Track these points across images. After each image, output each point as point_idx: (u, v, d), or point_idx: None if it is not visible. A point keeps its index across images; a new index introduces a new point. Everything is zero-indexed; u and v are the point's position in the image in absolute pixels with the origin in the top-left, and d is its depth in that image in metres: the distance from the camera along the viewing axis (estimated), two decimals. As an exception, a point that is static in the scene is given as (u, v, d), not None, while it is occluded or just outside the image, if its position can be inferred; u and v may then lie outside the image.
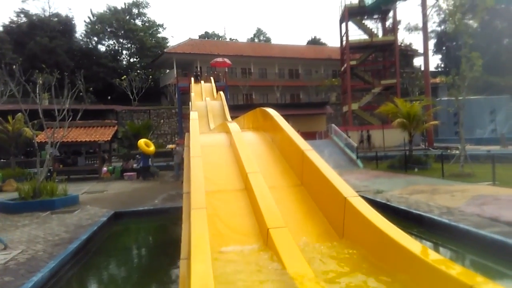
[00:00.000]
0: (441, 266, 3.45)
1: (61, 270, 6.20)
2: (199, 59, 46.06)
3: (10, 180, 17.80)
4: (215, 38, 66.41)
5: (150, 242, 9.62)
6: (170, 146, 22.90)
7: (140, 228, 10.63)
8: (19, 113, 19.89)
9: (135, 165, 21.48)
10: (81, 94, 16.15)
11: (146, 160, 20.26)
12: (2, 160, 25.28)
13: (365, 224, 4.43)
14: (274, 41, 71.87)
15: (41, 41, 47.18)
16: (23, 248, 7.26)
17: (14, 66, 13.42)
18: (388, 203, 9.94)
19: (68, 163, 21.95)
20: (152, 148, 20.25)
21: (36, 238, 8.04)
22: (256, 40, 70.77)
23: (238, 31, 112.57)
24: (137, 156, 22.15)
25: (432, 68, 42.83)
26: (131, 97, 43.08)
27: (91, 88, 33.38)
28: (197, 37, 62.82)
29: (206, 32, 69.47)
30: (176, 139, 31.30)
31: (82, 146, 22.27)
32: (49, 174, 16.82)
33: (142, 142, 20.03)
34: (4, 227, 9.27)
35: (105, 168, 21.72)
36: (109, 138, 22.00)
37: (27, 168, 21.37)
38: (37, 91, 13.78)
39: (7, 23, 51.47)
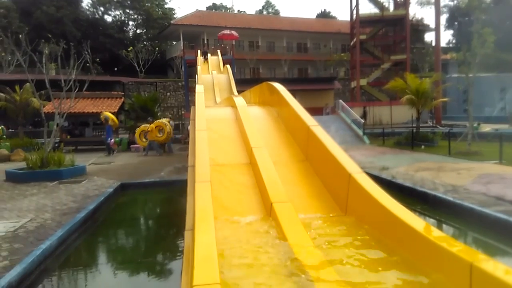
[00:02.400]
0: (442, 243, 3.48)
1: (68, 238, 6.33)
2: (206, 31, 45.47)
3: (18, 150, 18.00)
4: (223, 10, 65.33)
5: (156, 213, 9.77)
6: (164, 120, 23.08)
7: (146, 199, 10.76)
8: (27, 83, 19.90)
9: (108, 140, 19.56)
10: (87, 65, 16.09)
11: (110, 132, 19.50)
12: (10, 130, 25.48)
13: (368, 200, 4.45)
14: (282, 14, 70.78)
15: (48, 10, 46.71)
16: (31, 217, 7.40)
17: (20, 36, 13.33)
18: (393, 180, 9.94)
19: (75, 134, 22.12)
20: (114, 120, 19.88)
21: (44, 207, 8.18)
22: (264, 12, 69.57)
23: (247, 3, 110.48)
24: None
25: (443, 44, 42.15)
26: (138, 69, 42.88)
27: (98, 59, 33.33)
28: (205, 9, 61.87)
29: (213, 4, 68.30)
30: (183, 112, 31.31)
31: (90, 117, 22.36)
32: (56, 144, 17.02)
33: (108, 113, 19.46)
34: (13, 196, 9.43)
35: (112, 140, 21.85)
36: (115, 110, 22.07)
37: (35, 138, 21.57)
38: (44, 61, 13.73)
39: (13, -9, 50.91)
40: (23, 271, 4.60)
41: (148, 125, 18.77)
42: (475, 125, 19.07)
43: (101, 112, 21.51)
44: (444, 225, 7.34)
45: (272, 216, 4.73)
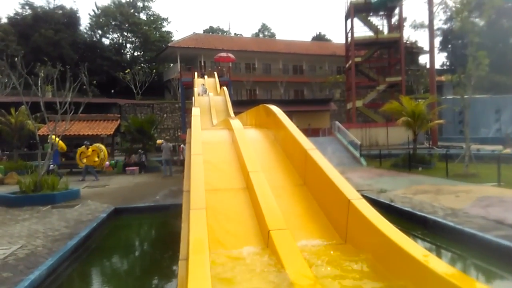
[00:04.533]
0: (446, 275, 3.34)
1: (59, 267, 6.12)
2: (203, 54, 45.88)
3: (12, 173, 17.78)
4: (220, 33, 66.14)
5: (150, 240, 9.54)
6: (158, 141, 22.90)
7: (141, 224, 10.55)
8: (22, 106, 19.85)
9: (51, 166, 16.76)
10: (84, 87, 16.06)
11: (56, 157, 18.76)
12: (5, 152, 25.28)
13: (369, 228, 4.31)
14: (278, 36, 71.76)
15: (46, 33, 47.14)
16: (22, 243, 7.20)
17: (16, 58, 13.31)
18: (392, 203, 9.81)
19: (70, 156, 21.91)
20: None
21: (36, 233, 7.97)
22: (260, 35, 70.52)
23: (243, 26, 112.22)
24: (139, 151, 22.10)
25: (437, 66, 42.62)
26: (135, 91, 43.01)
27: (95, 81, 33.31)
28: (202, 32, 62.62)
29: (210, 27, 69.23)
30: (179, 133, 31.23)
31: (85, 139, 22.23)
32: (51, 167, 16.81)
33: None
34: (4, 221, 9.21)
35: (107, 162, 21.69)
36: (111, 132, 21.99)
37: (30, 160, 21.36)
38: (39, 84, 13.69)
39: (12, 14, 51.52)
40: (9, 304, 4.40)
41: (85, 148, 18.82)
42: (500, 148, 18.89)
43: (96, 134, 21.44)
44: (445, 252, 7.18)
45: (269, 245, 4.58)
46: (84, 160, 18.58)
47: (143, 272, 6.89)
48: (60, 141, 19.15)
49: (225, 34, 66.12)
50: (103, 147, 19.32)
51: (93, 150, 18.60)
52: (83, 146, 18.92)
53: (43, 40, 46.79)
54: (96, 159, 18.76)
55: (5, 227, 8.61)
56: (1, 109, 22.94)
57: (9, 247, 6.97)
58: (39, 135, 15.20)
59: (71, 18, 53.52)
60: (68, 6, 55.36)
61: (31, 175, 12.53)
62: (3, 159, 22.86)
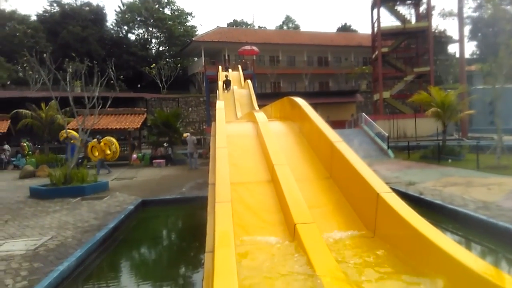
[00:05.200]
0: (478, 270, 3.21)
1: (87, 258, 6.24)
2: (227, 47, 45.88)
3: (43, 166, 18.31)
4: (244, 26, 65.94)
5: (177, 231, 9.64)
6: (184, 134, 22.91)
7: (167, 216, 10.66)
8: (52, 101, 20.37)
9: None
10: (111, 82, 16.33)
11: (73, 151, 17.73)
12: (36, 146, 26.08)
13: (399, 222, 4.19)
14: (303, 28, 70.82)
15: (73, 30, 48.19)
16: (53, 234, 7.38)
17: (45, 55, 13.63)
18: (421, 196, 9.56)
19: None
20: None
21: (66, 225, 8.17)
22: (284, 27, 69.86)
23: (267, 19, 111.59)
24: (164, 144, 22.35)
25: (467, 55, 41.24)
26: (160, 85, 43.51)
27: (122, 76, 33.92)
28: (226, 25, 62.62)
29: (234, 20, 69.09)
30: (204, 127, 31.45)
31: (113, 133, 22.65)
32: (80, 160, 17.23)
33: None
34: (36, 213, 9.48)
35: (134, 155, 22.06)
36: (138, 126, 22.31)
37: (60, 154, 21.94)
38: (68, 79, 13.99)
39: (40, 12, 52.89)
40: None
41: (96, 142, 18.69)
42: None
43: (124, 128, 21.78)
44: (478, 246, 6.93)
45: (295, 238, 4.52)
46: (96, 154, 18.58)
47: (169, 263, 6.96)
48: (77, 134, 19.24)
49: (249, 27, 65.90)
50: (114, 140, 19.10)
51: (104, 144, 18.52)
52: (95, 140, 18.91)
53: (71, 36, 47.86)
54: (108, 152, 18.64)
55: (36, 218, 8.86)
56: (32, 104, 23.64)
57: (40, 238, 7.16)
58: (68, 129, 15.58)
59: (97, 14, 54.50)
60: (94, 3, 56.20)
61: (61, 168, 12.84)
62: (36, 152, 23.56)
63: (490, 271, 3.22)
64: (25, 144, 23.72)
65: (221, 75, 25.37)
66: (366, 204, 5.00)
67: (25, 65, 37.86)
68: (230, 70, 27.78)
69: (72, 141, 18.03)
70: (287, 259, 4.13)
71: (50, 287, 4.84)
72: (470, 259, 3.41)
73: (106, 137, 19.07)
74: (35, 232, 7.66)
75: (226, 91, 23.00)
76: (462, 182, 11.38)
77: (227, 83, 23.50)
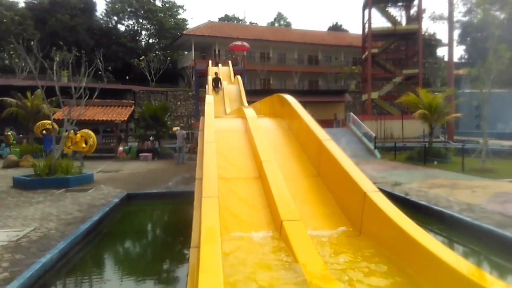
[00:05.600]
0: (462, 270, 3.24)
1: (71, 251, 6.14)
2: (217, 42, 45.66)
3: (27, 156, 17.99)
4: (235, 22, 65.68)
5: (162, 226, 9.56)
6: (174, 128, 22.57)
7: (153, 210, 10.58)
8: (38, 90, 20.00)
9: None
10: (100, 73, 16.11)
11: (49, 142, 17.19)
12: (21, 135, 25.62)
13: (385, 221, 4.20)
14: (294, 26, 70.96)
15: (62, 18, 47.38)
16: (36, 226, 7.25)
17: (32, 42, 13.36)
18: (407, 197, 9.65)
19: (85, 141, 22.07)
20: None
21: (49, 216, 8.04)
22: (276, 24, 69.80)
23: (259, 15, 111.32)
24: (150, 138, 22.12)
25: (455, 59, 41.75)
26: (149, 78, 43.12)
27: (110, 68, 33.51)
28: (217, 20, 62.25)
29: (226, 15, 68.78)
30: (193, 121, 31.28)
31: (100, 125, 22.38)
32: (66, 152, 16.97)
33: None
34: (19, 203, 9.32)
35: (121, 148, 21.84)
36: (125, 118, 22.07)
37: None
38: (55, 68, 13.75)
39: (29, -1, 51.84)
40: (20, 286, 4.41)
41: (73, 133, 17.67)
42: None
43: (111, 120, 21.51)
44: (462, 248, 7.02)
45: (282, 235, 4.50)
46: (71, 147, 17.60)
47: (154, 258, 6.89)
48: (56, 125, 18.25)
49: (240, 22, 65.66)
50: (91, 133, 18.55)
51: (81, 136, 17.92)
52: (71, 132, 17.54)
53: (59, 25, 47.06)
54: (84, 145, 18.07)
55: (19, 209, 8.70)
56: (18, 93, 23.21)
57: (23, 229, 7.03)
58: (54, 119, 15.33)
59: (87, 3, 53.63)
60: (84, -8, 55.16)
61: (45, 159, 12.63)
62: (23, 142, 23.05)
63: (474, 272, 3.25)
64: (9, 133, 23.28)
65: (211, 71, 25.21)
66: (353, 203, 5.02)
67: (11, 52, 37.14)
68: (220, 65, 27.62)
69: (44, 132, 17.51)
70: (273, 256, 4.12)
71: (32, 279, 4.75)
72: (455, 259, 3.44)
73: (83, 130, 18.49)
74: (17, 223, 7.52)
75: (215, 90, 21.56)
76: (447, 184, 11.52)
77: (217, 81, 22.04)
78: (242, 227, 4.92)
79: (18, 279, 4.57)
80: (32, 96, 22.83)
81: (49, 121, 17.79)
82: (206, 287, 2.93)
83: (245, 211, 5.33)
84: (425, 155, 17.67)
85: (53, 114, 15.80)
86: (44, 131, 17.68)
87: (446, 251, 3.59)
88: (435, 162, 17.04)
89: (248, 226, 4.95)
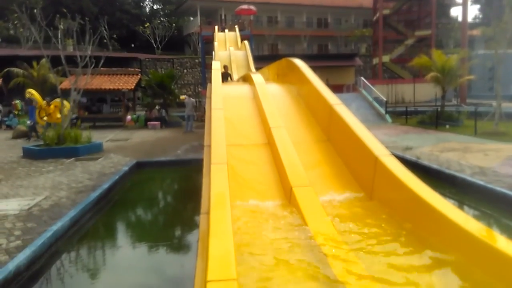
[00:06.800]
0: (476, 232, 3.17)
1: (82, 218, 6.19)
2: (223, 7, 44.60)
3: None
4: (241, -16, 63.85)
5: (172, 193, 9.61)
6: (181, 97, 22.24)
7: (162, 178, 10.60)
8: (43, 59, 19.82)
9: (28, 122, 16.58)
10: (105, 41, 15.85)
11: (33, 113, 16.37)
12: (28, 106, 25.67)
13: (397, 186, 4.11)
14: (302, -13, 68.64)
15: (65, -15, 46.43)
16: (46, 194, 7.31)
17: (35, 10, 13.10)
18: (418, 161, 9.52)
19: (93, 110, 22.09)
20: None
21: (60, 185, 8.09)
22: (284, -14, 67.73)
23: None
24: (156, 107, 21.89)
25: (469, 19, 40.39)
26: (155, 46, 42.57)
27: (115, 35, 33.10)
28: (223, -17, 60.54)
29: (232, -22, 66.84)
30: (200, 89, 31.03)
31: (107, 94, 22.27)
32: (74, 121, 16.97)
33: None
34: (29, 173, 9.38)
35: (129, 117, 21.81)
36: (132, 87, 21.90)
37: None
38: (59, 37, 13.53)
39: (30, -34, 50.73)
40: (32, 253, 4.45)
41: (46, 104, 16.98)
42: None
43: (118, 88, 21.38)
44: (474, 211, 6.94)
45: (292, 202, 4.45)
46: (45, 118, 16.73)
47: (164, 224, 6.95)
48: (36, 94, 17.52)
49: (246, -15, 63.82)
50: (66, 103, 16.47)
51: (55, 106, 16.67)
52: (44, 102, 17.13)
53: (62, -8, 46.19)
54: (59, 115, 16.10)
55: (30, 178, 8.77)
56: (24, 63, 23.09)
57: (34, 198, 7.08)
58: (61, 88, 15.24)
59: (89, -31, 52.39)
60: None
61: (54, 128, 12.64)
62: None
63: (486, 233, 3.20)
64: (17, 103, 23.31)
65: (217, 38, 24.70)
66: (364, 167, 4.92)
67: (16, 22, 36.75)
68: (226, 30, 27.07)
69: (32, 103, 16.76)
70: (282, 222, 4.07)
71: (43, 246, 4.80)
72: (467, 221, 3.36)
73: (56, 99, 17.12)
74: (28, 192, 7.58)
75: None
76: (459, 148, 11.35)
77: (226, 76, 20.07)
78: (251, 194, 4.87)
79: (30, 247, 4.62)
80: (38, 66, 22.71)
81: (33, 90, 17.29)
82: (216, 252, 2.89)
83: (254, 177, 5.26)
84: (436, 119, 17.38)
85: (60, 84, 15.68)
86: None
87: (458, 213, 3.50)
88: (447, 126, 16.77)
89: (257, 193, 4.90)
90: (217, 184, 4.15)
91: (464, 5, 30.57)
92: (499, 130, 14.18)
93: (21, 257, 4.28)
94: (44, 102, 17.16)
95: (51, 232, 5.06)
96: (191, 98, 19.38)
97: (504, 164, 8.91)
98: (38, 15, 12.84)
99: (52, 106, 16.89)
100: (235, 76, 18.10)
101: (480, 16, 54.55)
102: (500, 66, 15.41)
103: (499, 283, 2.90)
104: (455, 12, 51.23)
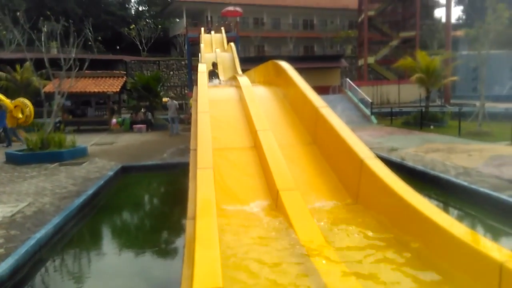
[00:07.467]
0: (460, 235, 3.20)
1: (66, 225, 6.10)
2: (210, 8, 44.48)
3: (20, 130, 17.70)
4: (227, -14, 63.78)
5: (157, 198, 9.53)
6: (164, 99, 22.07)
7: (148, 182, 10.52)
8: (27, 62, 19.49)
9: None
10: (89, 43, 15.66)
11: (3, 118, 15.44)
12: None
13: (383, 189, 4.13)
14: (288, -11, 68.88)
15: (48, -13, 45.81)
16: (30, 201, 7.18)
17: (18, 13, 12.89)
18: (403, 162, 9.61)
19: (77, 113, 21.81)
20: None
21: (44, 191, 7.96)
22: (269, -12, 67.87)
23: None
24: (142, 110, 21.77)
25: (453, 20, 40.94)
26: (140, 48, 42.22)
27: (100, 37, 32.69)
28: (208, -15, 60.42)
29: (217, -21, 66.71)
30: (186, 91, 30.87)
31: (92, 97, 22.00)
32: (57, 124, 16.71)
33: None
34: (12, 179, 9.21)
35: (114, 120, 21.59)
36: (117, 89, 21.67)
37: (37, 118, 21.26)
38: (43, 40, 13.34)
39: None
40: (15, 262, 4.36)
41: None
42: None
43: (103, 91, 21.15)
44: (459, 212, 7.03)
45: (278, 205, 4.44)
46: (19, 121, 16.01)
47: (150, 229, 6.89)
48: (5, 99, 16.18)
49: (232, -13, 63.79)
50: (27, 102, 16.12)
51: (15, 106, 15.76)
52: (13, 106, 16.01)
53: (46, -6, 45.57)
54: (20, 116, 15.81)
55: (13, 184, 8.61)
56: (7, 66, 22.67)
57: (17, 204, 6.96)
58: (44, 92, 15.03)
59: (73, -30, 51.78)
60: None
61: (38, 133, 12.44)
62: None
63: (472, 237, 3.22)
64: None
65: (203, 39, 24.59)
66: (350, 170, 4.94)
67: (-2, 24, 36.11)
68: (212, 32, 26.98)
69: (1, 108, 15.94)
70: (269, 226, 4.06)
71: (27, 255, 4.71)
72: (452, 225, 3.39)
73: (18, 99, 16.44)
74: (11, 198, 7.45)
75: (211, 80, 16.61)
76: (444, 148, 11.49)
77: (213, 74, 17.53)
78: (237, 198, 4.85)
79: (13, 256, 4.53)
80: (22, 69, 22.33)
81: (1, 95, 16.40)
82: (202, 260, 2.87)
83: (240, 182, 5.25)
84: (421, 120, 17.59)
85: (43, 87, 15.45)
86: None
87: (444, 216, 3.53)
88: (432, 127, 16.98)
89: (243, 197, 4.88)
90: (203, 190, 4.13)
91: (448, 6, 31.03)
92: (482, 130, 14.39)
93: (4, 266, 4.19)
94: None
95: (35, 240, 4.97)
96: (174, 101, 19.28)
97: (488, 165, 9.04)
98: (21, 17, 12.65)
99: (11, 105, 15.84)
100: (222, 78, 18.03)
101: (464, 17, 55.40)
102: (483, 66, 15.65)
103: (480, 285, 2.94)
104: (439, 13, 52.11)
